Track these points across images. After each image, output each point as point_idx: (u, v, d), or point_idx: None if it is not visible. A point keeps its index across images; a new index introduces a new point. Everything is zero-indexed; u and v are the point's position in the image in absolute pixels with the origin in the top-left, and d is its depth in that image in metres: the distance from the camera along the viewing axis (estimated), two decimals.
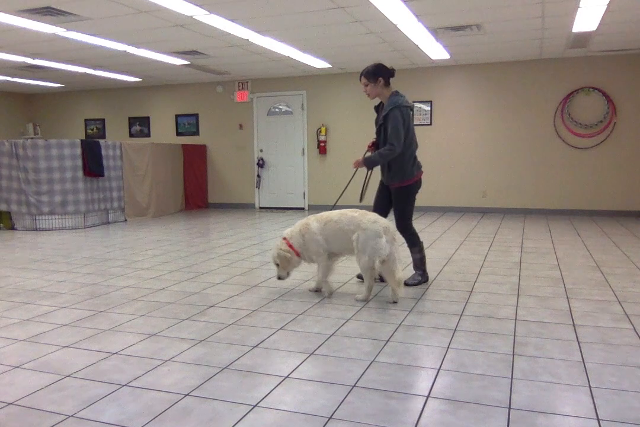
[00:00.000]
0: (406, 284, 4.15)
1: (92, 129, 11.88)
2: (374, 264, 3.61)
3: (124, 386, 2.38)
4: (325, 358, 2.69)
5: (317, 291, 4.04)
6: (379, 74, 4.03)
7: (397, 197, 4.18)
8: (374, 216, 3.77)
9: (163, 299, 3.85)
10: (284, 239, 3.93)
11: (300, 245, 3.88)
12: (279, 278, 3.98)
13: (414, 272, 4.28)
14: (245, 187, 10.71)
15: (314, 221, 3.88)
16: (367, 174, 4.36)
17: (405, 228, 4.19)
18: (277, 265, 3.93)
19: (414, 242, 4.23)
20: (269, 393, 2.29)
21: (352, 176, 4.71)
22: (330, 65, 8.93)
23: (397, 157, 4.04)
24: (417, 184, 4.20)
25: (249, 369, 2.56)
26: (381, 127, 4.10)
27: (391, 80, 4.12)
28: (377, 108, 4.26)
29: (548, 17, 6.05)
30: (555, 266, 4.83)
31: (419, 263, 4.25)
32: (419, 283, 4.22)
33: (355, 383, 2.38)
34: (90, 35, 6.70)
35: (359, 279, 4.35)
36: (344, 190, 4.85)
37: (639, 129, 8.33)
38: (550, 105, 8.70)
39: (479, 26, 6.41)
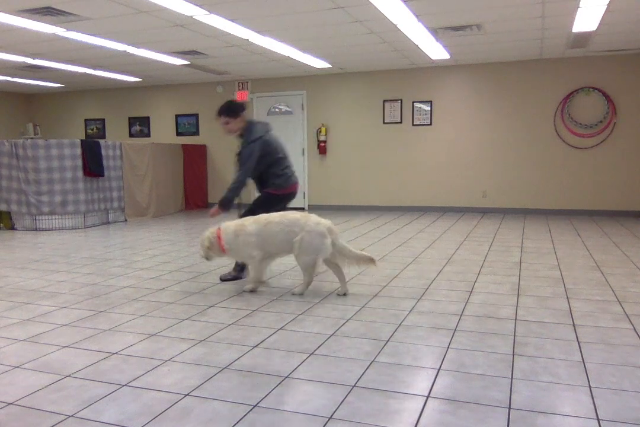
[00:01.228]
0: (221, 279, 4.39)
1: (92, 129, 11.88)
2: (316, 263, 3.77)
3: (124, 386, 2.38)
4: (325, 358, 2.69)
5: (253, 291, 4.01)
6: (238, 110, 4.26)
7: (262, 200, 4.38)
8: (316, 218, 3.84)
9: (163, 299, 3.85)
10: (219, 229, 3.93)
11: (228, 242, 3.86)
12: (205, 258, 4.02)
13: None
14: (245, 187, 10.68)
15: (252, 222, 3.87)
16: (239, 205, 4.53)
17: None
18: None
19: None
20: (269, 393, 2.29)
21: (242, 211, 4.70)
22: (330, 65, 8.93)
23: (270, 174, 4.28)
24: (289, 196, 4.41)
25: (249, 369, 2.56)
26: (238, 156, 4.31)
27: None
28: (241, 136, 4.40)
29: (548, 17, 6.05)
30: (555, 266, 4.83)
31: (241, 262, 4.36)
32: (233, 278, 4.39)
33: (355, 383, 2.38)
34: (90, 35, 6.70)
35: (222, 281, 4.40)
36: (242, 208, 4.92)
37: (639, 129, 8.33)
38: (550, 105, 8.69)
39: (479, 26, 6.41)
